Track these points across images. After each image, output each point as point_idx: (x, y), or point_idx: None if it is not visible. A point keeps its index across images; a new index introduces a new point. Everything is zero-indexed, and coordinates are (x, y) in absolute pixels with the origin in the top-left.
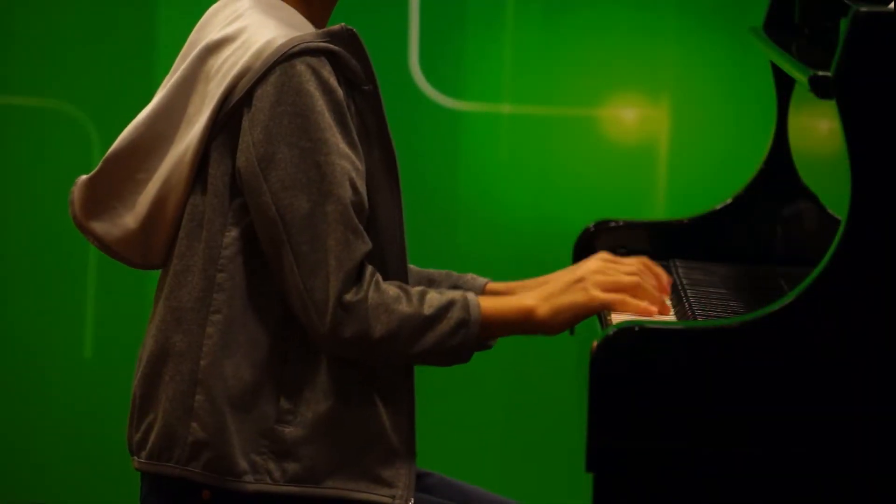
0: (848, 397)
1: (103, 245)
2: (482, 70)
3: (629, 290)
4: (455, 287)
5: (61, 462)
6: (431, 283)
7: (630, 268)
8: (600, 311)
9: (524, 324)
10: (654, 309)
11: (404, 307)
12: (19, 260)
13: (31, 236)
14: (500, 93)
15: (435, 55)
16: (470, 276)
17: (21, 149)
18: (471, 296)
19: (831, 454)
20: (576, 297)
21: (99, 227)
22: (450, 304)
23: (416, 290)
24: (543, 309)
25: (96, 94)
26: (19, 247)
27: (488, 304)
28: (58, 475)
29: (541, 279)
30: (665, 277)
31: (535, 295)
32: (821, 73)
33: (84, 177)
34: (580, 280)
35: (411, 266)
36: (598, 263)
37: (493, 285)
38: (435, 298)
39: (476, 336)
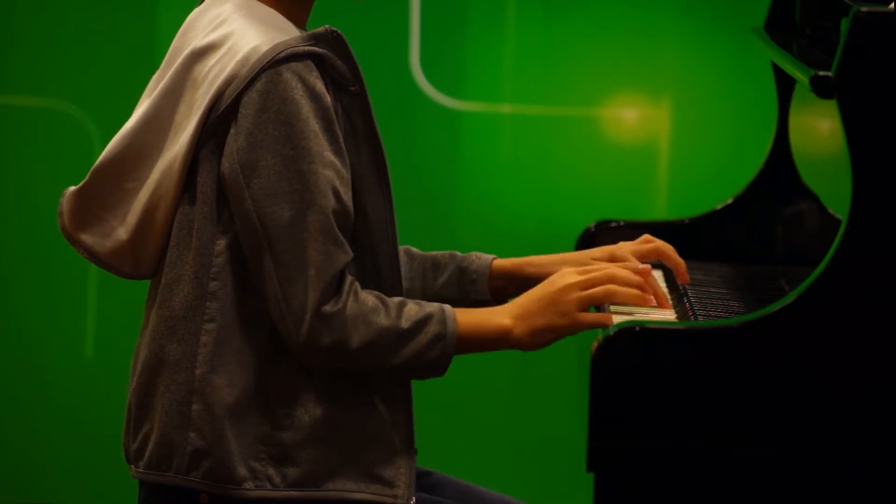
0: (848, 397)
1: (93, 256)
2: (482, 70)
3: (605, 298)
4: (461, 267)
5: (61, 462)
6: (436, 265)
7: (598, 274)
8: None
9: (501, 342)
10: (640, 302)
11: (382, 319)
12: (20, 259)
13: (32, 236)
14: (501, 93)
15: (435, 55)
16: (475, 254)
17: (21, 149)
18: (448, 310)
19: (831, 454)
20: (555, 320)
21: (88, 238)
22: (427, 319)
23: (394, 301)
24: (520, 329)
25: (96, 94)
26: (20, 246)
27: (465, 319)
28: (58, 475)
29: (550, 257)
30: (638, 266)
31: (512, 313)
32: (822, 73)
33: (72, 188)
34: (558, 301)
35: (414, 250)
36: (572, 278)
37: (499, 262)
38: (413, 311)
39: (452, 350)
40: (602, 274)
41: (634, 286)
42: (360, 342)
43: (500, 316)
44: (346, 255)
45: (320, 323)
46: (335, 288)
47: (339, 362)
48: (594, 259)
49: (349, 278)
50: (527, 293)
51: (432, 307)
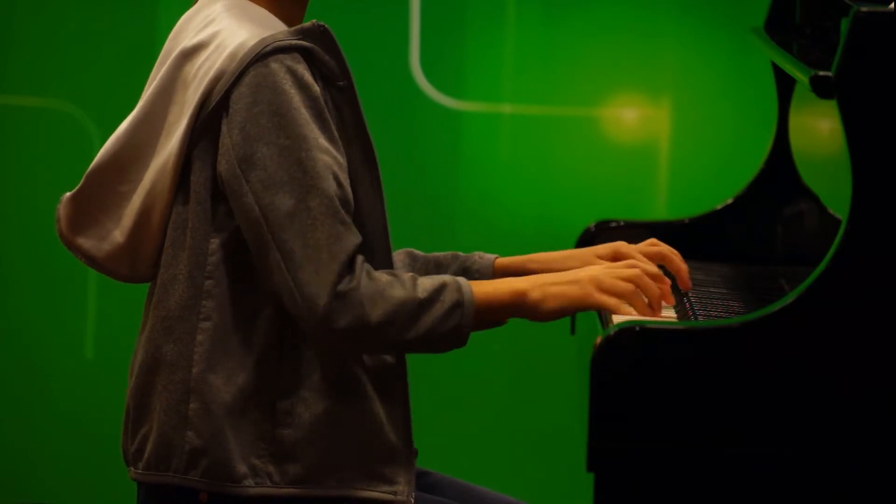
0: (848, 397)
1: (91, 260)
2: (482, 70)
3: (626, 295)
4: (464, 267)
5: (61, 462)
6: (439, 266)
7: (629, 272)
8: (596, 310)
9: (517, 307)
10: (649, 314)
11: (398, 292)
12: (20, 259)
13: (32, 236)
14: (501, 93)
15: (435, 55)
16: (477, 254)
17: (21, 149)
18: (462, 279)
19: (831, 454)
20: (570, 289)
21: (86, 242)
22: (442, 287)
23: (406, 275)
24: (536, 293)
25: (96, 94)
26: (20, 246)
27: (480, 286)
28: (58, 475)
29: (553, 253)
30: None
31: (529, 279)
32: (822, 73)
33: (68, 193)
34: (579, 276)
35: (417, 252)
36: (598, 268)
37: (502, 261)
38: (427, 282)
39: (471, 317)
40: (631, 273)
41: (654, 297)
42: (379, 317)
43: (515, 281)
44: (356, 236)
45: (337, 303)
46: (348, 267)
47: (360, 341)
48: (599, 257)
49: (360, 257)
50: (550, 274)
51: (445, 277)
